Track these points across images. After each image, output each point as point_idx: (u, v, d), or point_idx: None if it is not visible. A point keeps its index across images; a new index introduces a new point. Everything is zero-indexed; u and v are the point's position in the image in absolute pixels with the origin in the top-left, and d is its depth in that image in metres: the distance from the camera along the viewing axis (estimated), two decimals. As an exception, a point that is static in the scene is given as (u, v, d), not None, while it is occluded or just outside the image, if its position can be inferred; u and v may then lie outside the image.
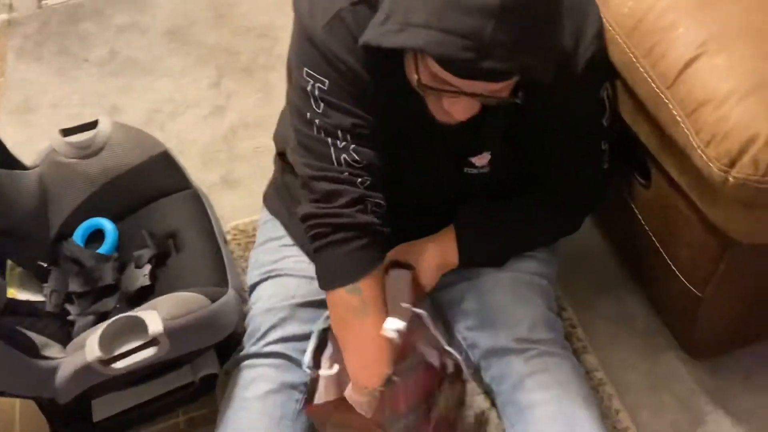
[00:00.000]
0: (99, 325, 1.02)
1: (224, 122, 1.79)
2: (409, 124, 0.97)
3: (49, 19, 2.10)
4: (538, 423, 1.00)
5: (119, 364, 0.99)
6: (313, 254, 0.95)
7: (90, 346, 0.97)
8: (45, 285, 1.19)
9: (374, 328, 0.93)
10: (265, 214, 1.26)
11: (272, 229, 1.23)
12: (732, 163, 0.78)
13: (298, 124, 0.93)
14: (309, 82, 0.90)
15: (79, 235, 1.26)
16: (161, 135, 1.75)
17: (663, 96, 0.87)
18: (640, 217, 1.12)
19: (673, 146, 0.91)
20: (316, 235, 0.92)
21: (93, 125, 1.27)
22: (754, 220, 0.84)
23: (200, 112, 1.82)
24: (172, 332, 1.00)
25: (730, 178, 0.79)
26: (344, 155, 0.90)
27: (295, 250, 1.17)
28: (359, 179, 0.91)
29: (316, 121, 0.90)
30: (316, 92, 0.90)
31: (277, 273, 1.15)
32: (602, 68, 0.97)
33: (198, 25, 2.05)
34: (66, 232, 1.26)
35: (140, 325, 1.00)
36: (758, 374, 1.25)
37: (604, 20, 0.97)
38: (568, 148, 1.01)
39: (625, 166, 1.12)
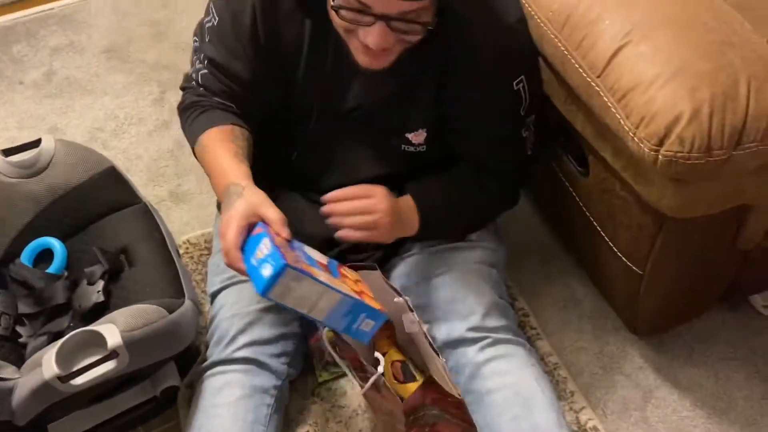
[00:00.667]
0: (55, 342, 1.00)
1: (170, 137, 1.78)
2: (344, 100, 1.03)
3: (-21, 43, 2.05)
4: (497, 408, 1.04)
5: (78, 380, 0.98)
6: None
7: (47, 363, 0.96)
8: (-7, 309, 1.16)
9: (218, 150, 1.03)
10: (217, 225, 1.27)
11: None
12: (660, 142, 0.84)
13: (192, 42, 1.13)
14: (209, 15, 1.05)
15: (26, 256, 1.23)
16: (106, 153, 1.72)
17: (594, 84, 0.93)
18: (581, 204, 1.18)
19: (606, 132, 0.96)
20: (180, 113, 1.13)
21: (36, 144, 1.25)
22: (685, 195, 0.90)
23: (145, 129, 1.80)
24: (131, 344, 1.00)
25: (660, 156, 0.84)
26: (195, 74, 1.10)
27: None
28: (201, 90, 1.10)
29: (194, 44, 1.11)
30: (208, 25, 1.05)
31: (240, 279, 1.16)
32: (517, 63, 1.03)
33: (136, 43, 2.03)
34: (12, 253, 1.24)
35: (98, 339, 0.99)
36: (700, 349, 1.32)
37: (536, 18, 1.03)
38: (489, 133, 1.07)
39: (564, 156, 1.18)
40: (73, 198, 1.26)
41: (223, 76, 1.07)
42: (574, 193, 1.19)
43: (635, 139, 0.86)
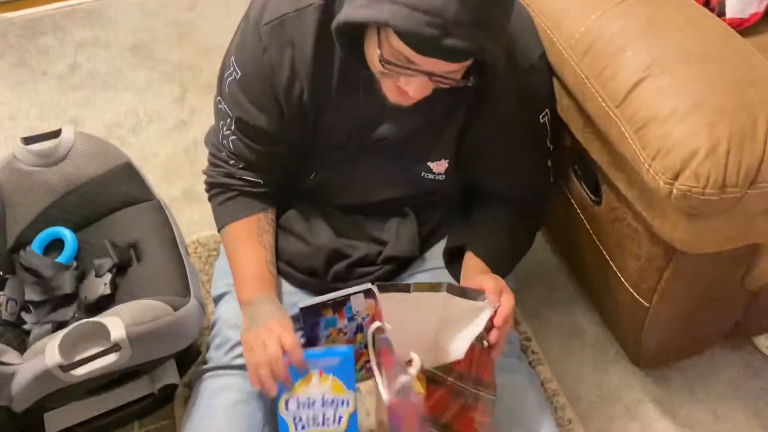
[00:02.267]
0: (59, 331, 1.01)
1: (187, 137, 1.80)
2: (371, 132, 1.02)
3: (6, 32, 2.08)
4: (497, 428, 1.03)
5: (79, 371, 0.98)
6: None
7: (50, 351, 0.96)
8: (0, 293, 1.17)
9: (245, 254, 1.06)
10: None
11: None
12: (676, 176, 0.84)
13: (216, 103, 1.08)
14: (230, 68, 1.02)
15: (37, 244, 1.24)
16: (123, 149, 1.76)
17: (612, 114, 0.93)
18: (591, 231, 1.18)
19: (622, 162, 0.96)
20: (206, 190, 1.12)
21: (56, 134, 1.27)
22: (697, 230, 0.90)
23: (163, 126, 1.82)
24: (134, 339, 1.00)
25: (675, 190, 0.84)
26: (225, 141, 1.06)
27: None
28: (232, 161, 1.07)
29: (221, 102, 1.05)
30: (230, 79, 1.02)
31: None
32: (542, 99, 1.05)
33: (161, 43, 2.06)
34: (24, 240, 1.25)
35: (102, 331, 0.99)
36: (701, 385, 1.31)
37: (557, 44, 1.04)
38: (517, 168, 1.08)
39: (577, 182, 1.18)
40: (88, 190, 1.27)
41: (251, 139, 1.04)
42: (585, 221, 1.19)
43: (650, 171, 0.87)
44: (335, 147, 1.07)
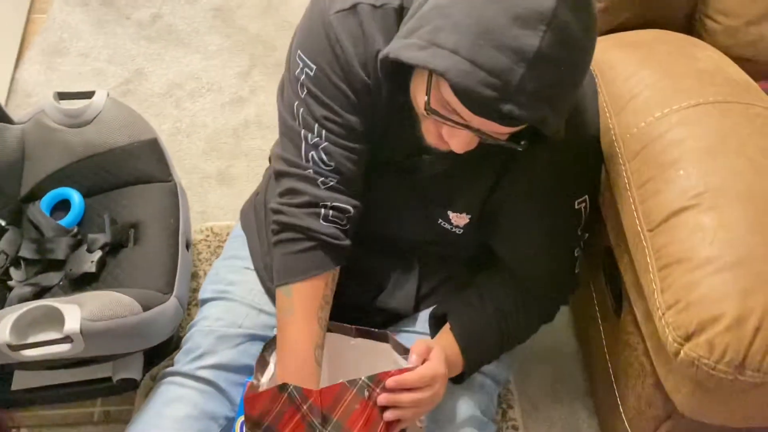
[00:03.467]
0: (18, 306, 0.99)
1: (240, 115, 1.75)
2: (397, 153, 0.93)
3: (105, -32, 2.09)
4: None
5: (28, 353, 0.96)
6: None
7: (1, 329, 0.94)
8: (-5, 244, 1.17)
9: (297, 332, 0.91)
10: (238, 229, 1.22)
11: (239, 246, 1.18)
12: (687, 337, 0.71)
13: (283, 111, 0.92)
14: (299, 65, 0.88)
15: (46, 202, 1.24)
16: (175, 112, 1.75)
17: (642, 238, 0.80)
18: (604, 342, 1.05)
19: (643, 291, 0.83)
20: (274, 231, 0.93)
21: (89, 95, 1.25)
22: (702, 399, 0.77)
23: (220, 99, 1.79)
24: (89, 333, 0.97)
25: (682, 353, 0.71)
26: (313, 152, 0.89)
27: (254, 276, 1.13)
28: (321, 179, 0.89)
29: (296, 108, 0.89)
30: (302, 77, 0.88)
31: (230, 297, 1.11)
32: (584, 182, 0.93)
33: (245, 9, 2.01)
34: (36, 194, 1.25)
35: (59, 318, 0.97)
36: None
37: (612, 133, 0.90)
38: (539, 247, 0.96)
39: (604, 283, 1.04)
40: (107, 159, 1.25)
41: (346, 138, 0.90)
42: (602, 327, 1.06)
43: (662, 320, 0.74)
44: (380, 161, 0.96)
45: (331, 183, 0.90)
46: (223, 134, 1.71)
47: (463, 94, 0.70)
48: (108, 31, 1.92)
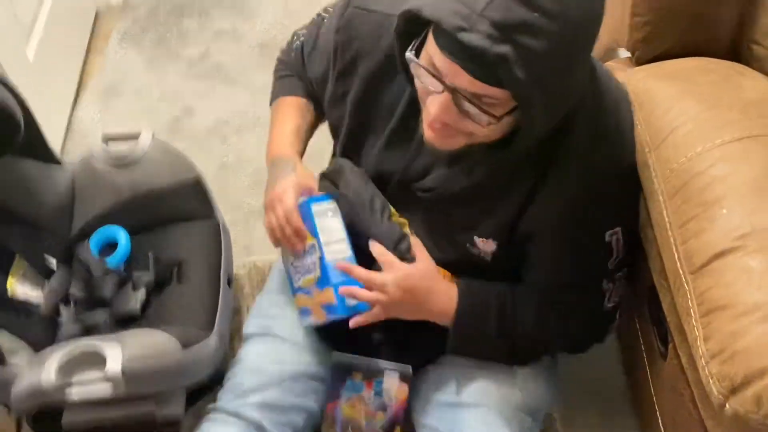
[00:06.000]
0: (65, 344, 1.02)
1: (284, 149, 1.78)
2: (420, 178, 0.97)
3: (158, 8, 2.17)
4: None
5: (73, 394, 0.99)
6: None
7: (47, 369, 0.97)
8: (46, 282, 1.21)
9: (289, 117, 1.13)
10: (280, 262, 1.23)
11: (281, 280, 1.20)
12: (733, 390, 0.67)
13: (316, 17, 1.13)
14: (327, 12, 1.07)
15: (95, 241, 1.28)
16: (222, 147, 1.79)
17: (684, 281, 0.76)
18: (651, 384, 1.00)
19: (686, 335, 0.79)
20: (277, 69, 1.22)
21: (135, 136, 1.28)
22: (753, 455, 0.72)
23: (265, 133, 1.81)
24: (130, 374, 0.99)
25: (728, 407, 0.67)
26: (296, 39, 1.16)
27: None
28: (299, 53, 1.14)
29: (301, 33, 1.15)
30: (317, 18, 1.11)
31: (274, 333, 1.12)
32: (617, 212, 0.92)
33: (291, 45, 2.05)
34: (85, 234, 1.29)
35: (102, 359, 0.99)
36: None
37: (651, 169, 0.87)
38: (564, 278, 0.96)
39: (650, 323, 1.00)
40: (152, 199, 1.28)
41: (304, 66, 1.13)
42: (648, 369, 1.02)
43: (706, 369, 0.70)
44: (386, 183, 1.02)
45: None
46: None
47: (435, 28, 0.76)
48: (159, 70, 1.99)
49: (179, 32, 2.10)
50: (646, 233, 0.93)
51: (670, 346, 0.91)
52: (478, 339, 0.99)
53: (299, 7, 2.16)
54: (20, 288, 1.18)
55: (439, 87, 0.79)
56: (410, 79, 0.88)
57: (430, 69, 0.79)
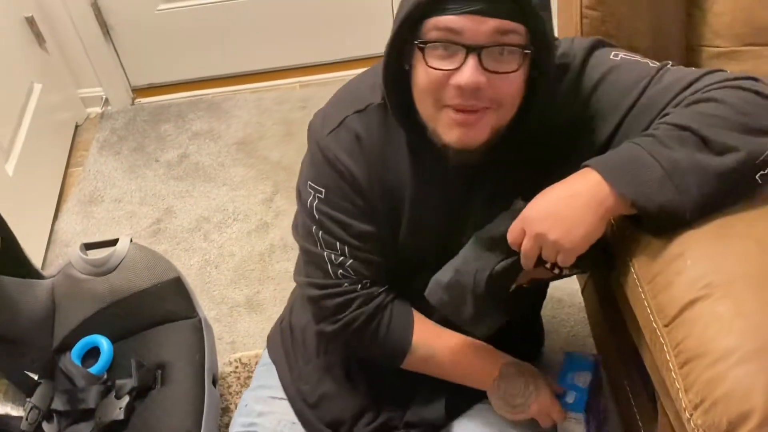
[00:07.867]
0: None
1: (266, 240, 1.79)
2: (460, 235, 0.93)
3: (136, 117, 2.24)
4: None
5: None
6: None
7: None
8: (28, 400, 1.18)
9: (454, 340, 0.97)
10: (265, 357, 1.22)
11: (267, 375, 1.18)
12: (720, 440, 0.65)
13: (302, 242, 0.97)
14: (310, 194, 0.94)
15: (77, 351, 1.26)
16: (205, 245, 1.80)
17: (660, 335, 0.76)
18: (649, 445, 0.98)
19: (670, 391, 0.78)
20: (347, 344, 1.00)
21: (113, 243, 1.30)
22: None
23: (246, 227, 1.84)
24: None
25: (717, 458, 0.66)
26: (340, 270, 0.94)
27: (283, 405, 1.12)
28: (359, 285, 0.95)
29: (314, 232, 0.94)
30: (315, 202, 0.94)
31: (259, 431, 1.09)
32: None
33: (266, 140, 2.11)
34: (68, 345, 1.28)
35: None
36: None
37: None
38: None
39: (640, 381, 0.99)
40: (133, 303, 1.28)
41: (369, 251, 0.94)
42: (642, 429, 0.99)
43: (691, 423, 0.69)
44: (422, 263, 0.96)
45: (368, 282, 0.95)
46: (250, 261, 1.74)
47: (435, 6, 0.76)
48: (139, 175, 2.03)
49: (157, 137, 2.16)
50: (619, 295, 0.93)
51: (659, 404, 0.90)
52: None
53: (271, 105, 2.23)
54: (1, 408, 1.16)
55: (461, 53, 0.78)
56: (405, 124, 0.88)
57: (447, 37, 0.78)
